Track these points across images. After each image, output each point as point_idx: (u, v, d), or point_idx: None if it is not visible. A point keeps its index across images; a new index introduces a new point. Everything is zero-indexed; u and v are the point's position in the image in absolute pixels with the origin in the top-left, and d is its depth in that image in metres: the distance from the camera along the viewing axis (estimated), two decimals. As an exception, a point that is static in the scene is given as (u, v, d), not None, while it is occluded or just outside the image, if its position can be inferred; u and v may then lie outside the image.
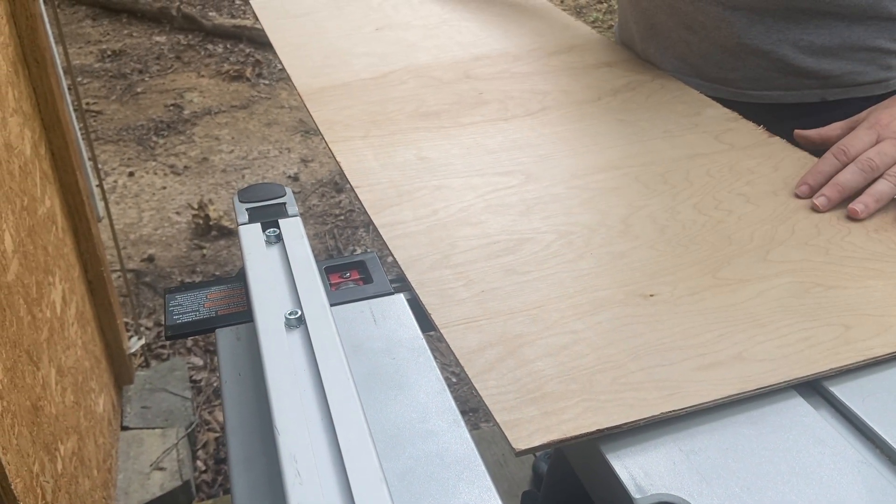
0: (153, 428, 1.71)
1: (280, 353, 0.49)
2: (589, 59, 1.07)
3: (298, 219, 0.70)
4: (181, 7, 4.24)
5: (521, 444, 0.48)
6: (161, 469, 1.62)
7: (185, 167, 2.93)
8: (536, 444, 0.48)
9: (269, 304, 0.55)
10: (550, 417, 0.50)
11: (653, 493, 0.47)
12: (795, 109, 0.95)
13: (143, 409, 1.76)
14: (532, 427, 0.50)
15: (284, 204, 0.73)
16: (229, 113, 3.34)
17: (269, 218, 0.70)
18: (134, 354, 1.85)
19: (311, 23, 1.19)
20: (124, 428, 1.69)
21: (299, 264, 0.60)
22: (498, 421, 0.50)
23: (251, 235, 0.67)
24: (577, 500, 1.13)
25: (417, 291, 0.63)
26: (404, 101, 0.96)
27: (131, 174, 2.87)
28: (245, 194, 0.76)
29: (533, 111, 0.93)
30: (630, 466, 0.49)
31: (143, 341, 1.95)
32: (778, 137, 0.86)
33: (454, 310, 0.61)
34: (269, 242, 0.67)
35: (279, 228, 0.68)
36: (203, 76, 3.68)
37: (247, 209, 0.73)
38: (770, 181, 0.78)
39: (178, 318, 0.65)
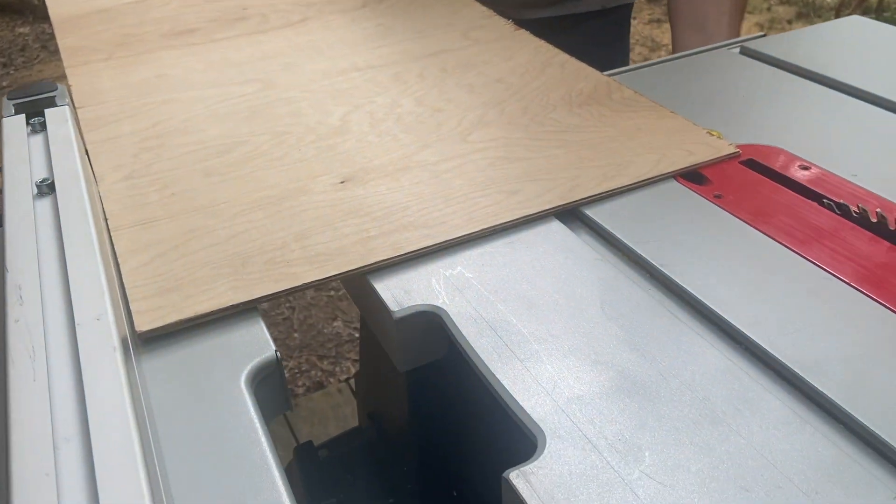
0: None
1: (26, 218, 0.48)
2: None
3: (66, 108, 0.67)
4: (41, -7, 3.95)
5: (144, 326, 0.47)
6: None
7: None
8: (160, 324, 0.47)
9: (20, 174, 0.53)
10: (188, 300, 0.49)
11: (409, 306, 0.50)
12: (582, 17, 1.11)
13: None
14: (165, 311, 0.48)
15: (54, 97, 0.71)
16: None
17: (36, 109, 0.68)
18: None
19: None
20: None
21: (59, 143, 0.58)
22: (132, 309, 0.49)
23: (14, 126, 0.64)
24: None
25: (103, 200, 0.60)
26: (162, 21, 0.93)
27: None
28: (15, 93, 0.73)
29: (293, 22, 0.92)
30: (392, 288, 0.52)
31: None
32: (524, 30, 0.88)
33: (135, 213, 0.58)
34: (34, 131, 0.64)
35: (45, 117, 0.65)
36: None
37: (13, 104, 0.70)
38: (499, 70, 0.80)
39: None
